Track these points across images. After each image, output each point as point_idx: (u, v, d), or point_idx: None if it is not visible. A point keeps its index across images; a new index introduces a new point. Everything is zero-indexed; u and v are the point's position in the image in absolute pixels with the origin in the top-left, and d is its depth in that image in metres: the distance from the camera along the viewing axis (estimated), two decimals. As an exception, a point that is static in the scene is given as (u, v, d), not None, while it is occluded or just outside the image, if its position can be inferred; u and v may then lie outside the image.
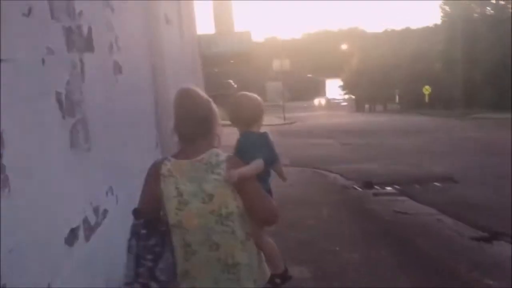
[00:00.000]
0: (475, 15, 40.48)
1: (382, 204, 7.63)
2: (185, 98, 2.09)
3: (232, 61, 11.29)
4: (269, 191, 2.26)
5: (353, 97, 59.31)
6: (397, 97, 48.43)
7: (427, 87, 38.97)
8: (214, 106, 2.15)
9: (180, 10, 7.12)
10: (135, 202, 2.14)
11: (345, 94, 66.01)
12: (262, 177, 2.18)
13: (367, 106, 54.43)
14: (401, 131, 20.76)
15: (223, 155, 2.05)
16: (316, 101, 66.13)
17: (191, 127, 2.06)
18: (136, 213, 2.05)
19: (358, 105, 55.60)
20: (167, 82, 4.68)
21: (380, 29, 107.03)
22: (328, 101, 68.16)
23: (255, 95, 2.36)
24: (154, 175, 2.07)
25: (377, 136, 19.03)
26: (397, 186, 9.13)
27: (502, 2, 38.73)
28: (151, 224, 2.03)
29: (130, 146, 3.46)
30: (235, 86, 49.38)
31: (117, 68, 3.23)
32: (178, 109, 2.08)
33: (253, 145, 2.19)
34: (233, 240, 2.04)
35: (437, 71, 41.56)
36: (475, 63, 37.29)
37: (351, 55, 60.81)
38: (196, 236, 2.02)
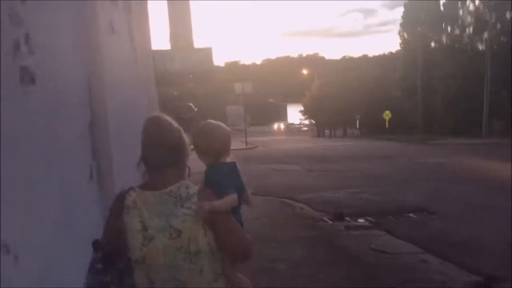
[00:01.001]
0: (432, 44, 41.54)
1: (357, 240, 6.88)
2: (154, 126, 1.98)
3: (191, 77, 10.39)
4: (241, 223, 2.08)
5: (314, 122, 59.51)
6: (357, 122, 48.74)
7: (387, 112, 39.37)
8: (184, 135, 2.04)
9: (130, 22, 6.25)
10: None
11: (306, 119, 66.21)
12: (234, 208, 2.03)
13: (327, 131, 54.65)
14: (364, 157, 20.35)
15: (193, 188, 1.95)
16: (275, 126, 66.21)
17: (159, 156, 1.95)
18: (95, 245, 1.91)
19: (318, 130, 55.78)
20: (107, 100, 3.76)
21: (338, 56, 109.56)
22: (287, 126, 68.32)
23: (222, 124, 2.20)
24: (118, 206, 1.96)
25: (341, 161, 18.51)
26: (369, 218, 8.44)
27: (457, 32, 39.87)
28: (109, 259, 1.90)
29: (52, 180, 2.54)
30: (195, 109, 48.62)
31: (27, 77, 2.33)
32: (146, 137, 1.96)
33: (225, 178, 2.03)
34: (201, 280, 1.92)
35: (397, 97, 42.16)
36: (434, 90, 38.03)
37: (311, 80, 61.32)
38: (161, 274, 1.91)
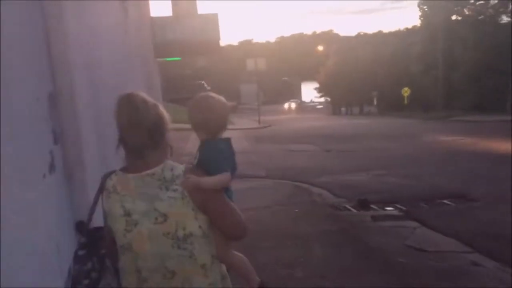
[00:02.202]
0: (454, 16, 39.53)
1: (388, 235, 5.80)
2: (128, 105, 1.77)
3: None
4: (233, 201, 1.91)
5: (329, 99, 58.06)
6: (375, 99, 47.13)
7: (406, 88, 37.76)
8: (162, 111, 1.84)
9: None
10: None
11: (321, 96, 64.70)
12: (227, 187, 1.91)
13: (343, 109, 53.18)
14: (385, 135, 19.13)
15: (179, 168, 1.79)
16: (286, 105, 64.12)
17: (138, 137, 1.77)
18: (79, 226, 1.94)
19: (334, 108, 54.35)
20: (75, 70, 2.81)
21: (353, 33, 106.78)
22: (299, 104, 66.43)
23: (222, 98, 2.00)
24: (101, 188, 1.86)
25: (361, 141, 17.32)
26: (399, 206, 7.34)
27: (482, 2, 37.80)
28: (93, 244, 1.85)
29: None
30: (208, 88, 47.56)
31: None
32: (120, 118, 1.77)
33: (220, 154, 1.88)
34: (191, 266, 1.80)
35: (416, 73, 40.38)
36: (455, 64, 36.29)
37: (326, 57, 59.65)
38: (148, 262, 1.79)
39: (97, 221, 1.93)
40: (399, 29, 76.26)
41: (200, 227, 1.79)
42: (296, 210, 7.05)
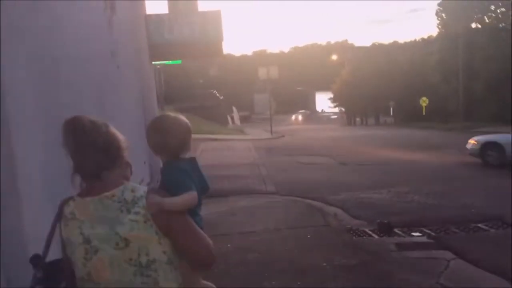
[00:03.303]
0: (473, 25, 38.35)
1: (418, 270, 4.82)
2: (73, 128, 1.69)
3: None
4: (201, 228, 1.80)
5: (344, 110, 57.04)
6: (391, 110, 45.94)
7: (424, 98, 36.58)
8: (113, 129, 1.77)
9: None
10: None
11: (335, 107, 63.70)
12: (193, 210, 1.83)
13: (358, 119, 52.07)
14: (404, 147, 18.09)
15: (140, 190, 1.69)
16: (293, 116, 63.49)
17: (90, 159, 1.69)
18: (35, 260, 1.73)
19: (349, 118, 53.28)
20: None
21: (367, 43, 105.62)
22: (307, 115, 65.57)
23: (180, 116, 1.96)
24: (58, 216, 1.75)
25: (379, 153, 16.31)
26: (426, 230, 6.35)
27: (503, 10, 36.59)
28: (51, 279, 1.73)
29: None
30: (221, 97, 46.95)
31: None
32: (69, 143, 1.68)
33: (183, 175, 1.82)
34: None
35: (434, 83, 39.16)
36: (475, 74, 35.04)
37: (340, 67, 58.80)
38: None
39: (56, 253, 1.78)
40: (415, 39, 75.07)
41: (164, 252, 1.69)
42: (308, 236, 6.10)
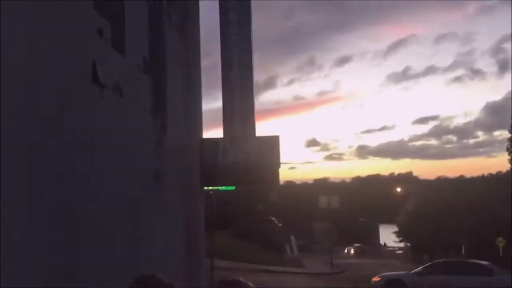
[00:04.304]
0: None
1: None
2: None
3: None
4: None
5: (409, 244, 53.66)
6: (463, 248, 42.50)
7: (500, 239, 33.62)
8: None
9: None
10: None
11: (400, 241, 60.20)
12: None
13: (426, 255, 48.40)
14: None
15: None
16: (346, 250, 60.57)
17: None
18: None
19: (415, 254, 49.67)
20: None
21: (432, 177, 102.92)
22: (360, 249, 62.37)
23: (248, 283, 1.99)
24: None
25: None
26: None
27: None
28: None
29: None
30: (279, 224, 45.95)
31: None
32: None
33: None
34: None
35: (508, 220, 36.22)
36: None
37: (405, 200, 56.71)
38: None
39: None
40: (482, 174, 72.41)
41: None
42: None
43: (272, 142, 7.04)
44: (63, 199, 3.14)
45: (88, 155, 3.49)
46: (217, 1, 7.73)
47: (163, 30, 5.41)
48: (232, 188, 12.28)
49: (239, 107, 7.17)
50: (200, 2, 7.75)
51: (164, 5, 5.48)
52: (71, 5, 3.55)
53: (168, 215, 5.52)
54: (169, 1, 5.64)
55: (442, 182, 74.31)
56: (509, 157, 40.08)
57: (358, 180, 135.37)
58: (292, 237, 53.70)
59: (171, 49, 5.60)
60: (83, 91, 3.69)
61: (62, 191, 3.13)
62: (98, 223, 3.64)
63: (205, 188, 7.80)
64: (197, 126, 7.03)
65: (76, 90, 3.58)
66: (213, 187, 10.48)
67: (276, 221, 44.45)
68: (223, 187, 10.86)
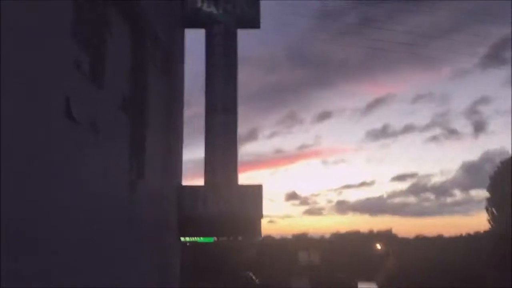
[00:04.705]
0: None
1: None
2: None
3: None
4: None
5: (391, 306, 52.33)
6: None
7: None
8: None
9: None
10: None
11: (381, 302, 58.74)
12: None
13: (408, 316, 47.12)
14: None
15: None
16: None
17: None
18: None
19: (397, 315, 48.38)
20: None
21: (410, 235, 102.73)
22: None
23: None
24: None
25: None
26: None
27: None
28: None
29: None
30: (256, 280, 44.41)
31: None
32: None
33: None
34: None
35: (492, 279, 35.83)
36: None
37: (386, 258, 56.00)
38: None
39: None
40: (461, 234, 72.64)
41: None
42: None
43: (255, 192, 6.70)
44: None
45: (48, 191, 3.09)
46: (203, 46, 7.61)
47: (145, 68, 5.16)
48: (211, 240, 11.72)
49: (222, 154, 6.87)
50: (186, 48, 7.62)
51: (147, 43, 5.27)
52: (47, 32, 3.27)
53: (140, 266, 5.06)
54: (153, 40, 5.45)
55: (421, 241, 74.13)
56: (488, 217, 40.22)
57: (337, 236, 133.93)
58: (269, 293, 51.93)
59: (153, 88, 5.35)
60: (55, 126, 3.35)
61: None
62: (59, 271, 3.21)
63: (182, 239, 7.32)
64: (177, 171, 6.68)
65: (47, 124, 3.25)
66: (191, 239, 9.97)
67: (253, 277, 43.00)
68: (201, 239, 10.33)
